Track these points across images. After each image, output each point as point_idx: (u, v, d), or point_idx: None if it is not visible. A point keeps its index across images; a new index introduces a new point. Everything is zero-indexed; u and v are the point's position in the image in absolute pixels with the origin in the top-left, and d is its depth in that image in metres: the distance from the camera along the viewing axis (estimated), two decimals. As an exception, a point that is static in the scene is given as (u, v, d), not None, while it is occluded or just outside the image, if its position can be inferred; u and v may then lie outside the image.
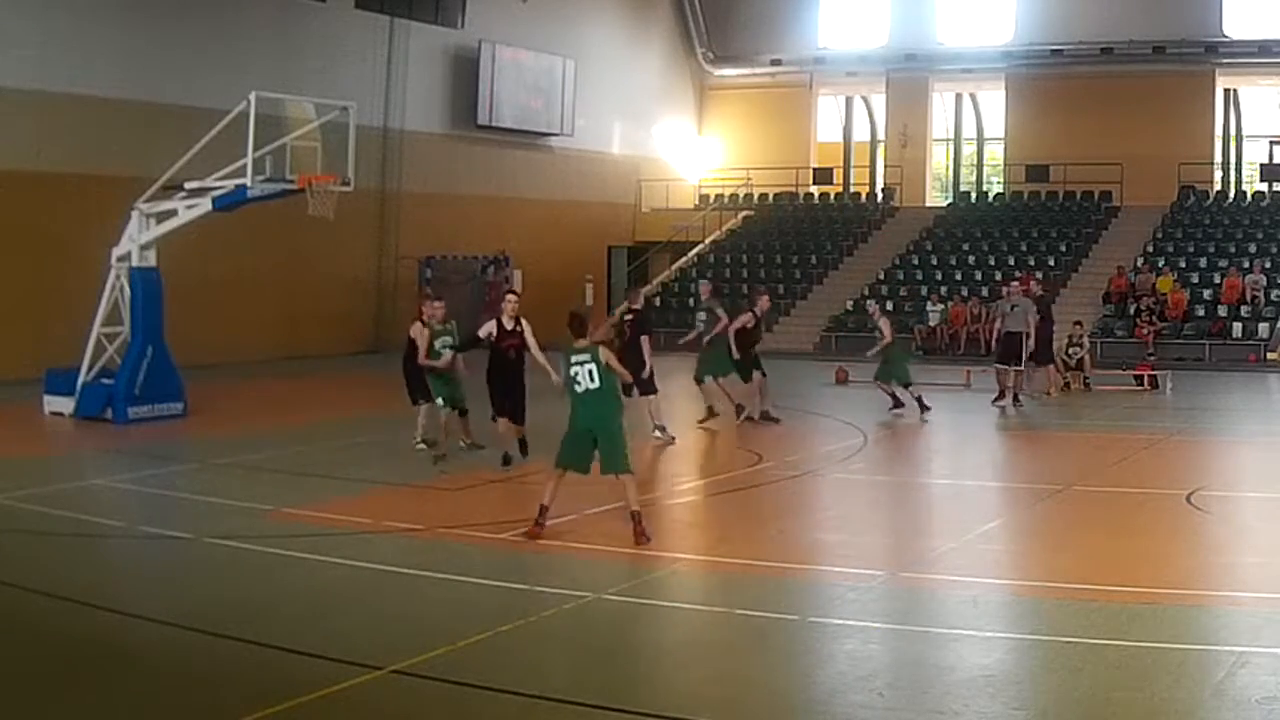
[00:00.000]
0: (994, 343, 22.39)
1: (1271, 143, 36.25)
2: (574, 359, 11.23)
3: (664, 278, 37.27)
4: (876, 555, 11.39)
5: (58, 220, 23.87)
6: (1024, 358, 21.46)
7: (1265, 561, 10.85)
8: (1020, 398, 21.30)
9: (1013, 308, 21.76)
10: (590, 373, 11.16)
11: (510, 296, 15.06)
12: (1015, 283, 23.27)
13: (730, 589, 10.10)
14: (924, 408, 19.77)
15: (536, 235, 34.90)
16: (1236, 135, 38.57)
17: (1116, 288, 31.63)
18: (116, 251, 19.13)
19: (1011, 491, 14.82)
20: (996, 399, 21.28)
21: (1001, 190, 39.90)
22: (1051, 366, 22.91)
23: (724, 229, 39.18)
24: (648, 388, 16.70)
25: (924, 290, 33.42)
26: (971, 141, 43.09)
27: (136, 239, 18.95)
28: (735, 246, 38.33)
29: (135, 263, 18.96)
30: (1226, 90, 37.44)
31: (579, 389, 11.20)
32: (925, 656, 8.34)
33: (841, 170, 41.75)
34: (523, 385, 14.74)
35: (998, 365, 21.57)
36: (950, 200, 40.22)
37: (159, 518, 12.52)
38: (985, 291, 32.90)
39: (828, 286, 35.35)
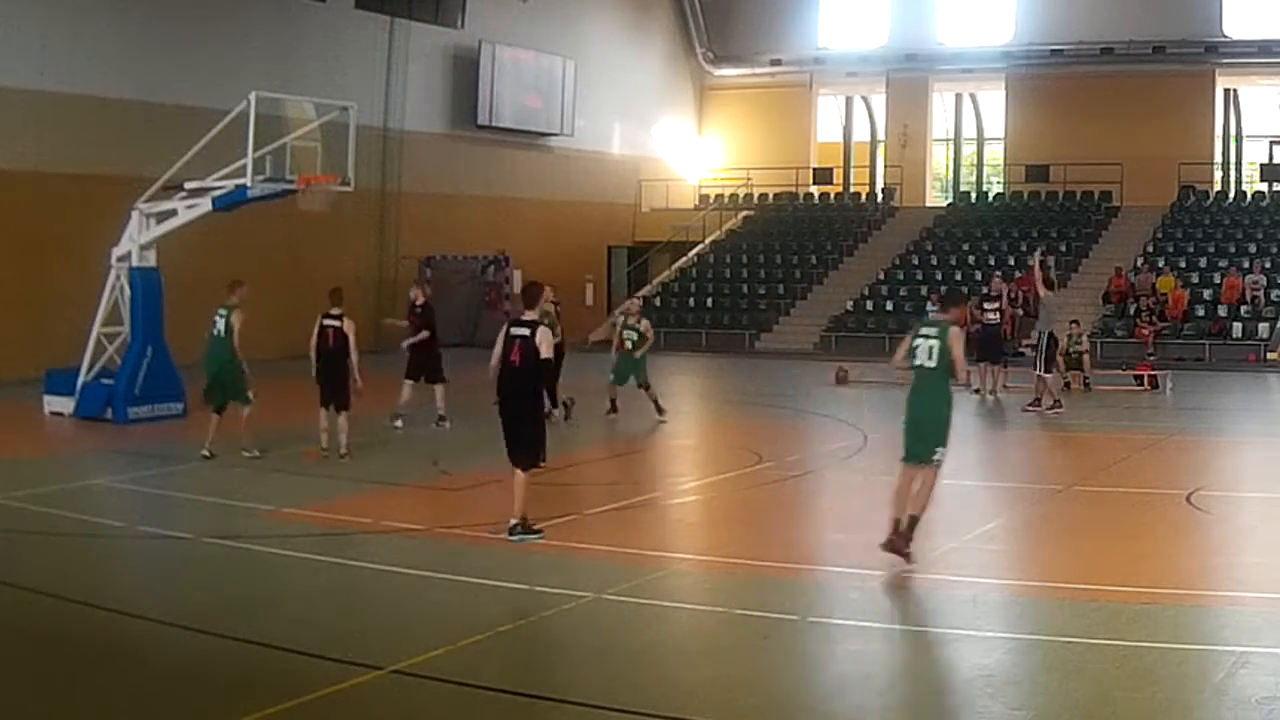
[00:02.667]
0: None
1: (1271, 143, 36.23)
2: (922, 331, 10.63)
3: (664, 278, 37.27)
4: (876, 555, 11.39)
5: (58, 220, 23.85)
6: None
7: (1265, 561, 10.85)
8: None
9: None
10: (931, 349, 10.44)
11: None
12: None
13: (730, 589, 10.10)
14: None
15: (536, 235, 34.89)
16: (1236, 135, 38.56)
17: (1116, 288, 31.62)
18: (116, 251, 19.13)
19: (1011, 491, 14.81)
20: (1051, 405, 20.24)
21: (1001, 190, 39.90)
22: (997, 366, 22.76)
23: (724, 229, 39.18)
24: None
25: (924, 290, 33.39)
26: (971, 141, 43.08)
27: (136, 239, 18.95)
28: (735, 246, 38.33)
29: (135, 263, 18.96)
30: (1226, 90, 37.43)
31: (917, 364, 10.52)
32: (925, 656, 8.35)
33: (841, 170, 41.73)
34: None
35: (1043, 374, 20.50)
36: (950, 200, 40.21)
37: (159, 518, 12.51)
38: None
39: (828, 286, 35.35)
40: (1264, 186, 35.95)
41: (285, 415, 16.45)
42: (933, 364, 10.43)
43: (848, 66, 39.94)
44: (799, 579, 10.41)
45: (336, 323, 15.12)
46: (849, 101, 43.15)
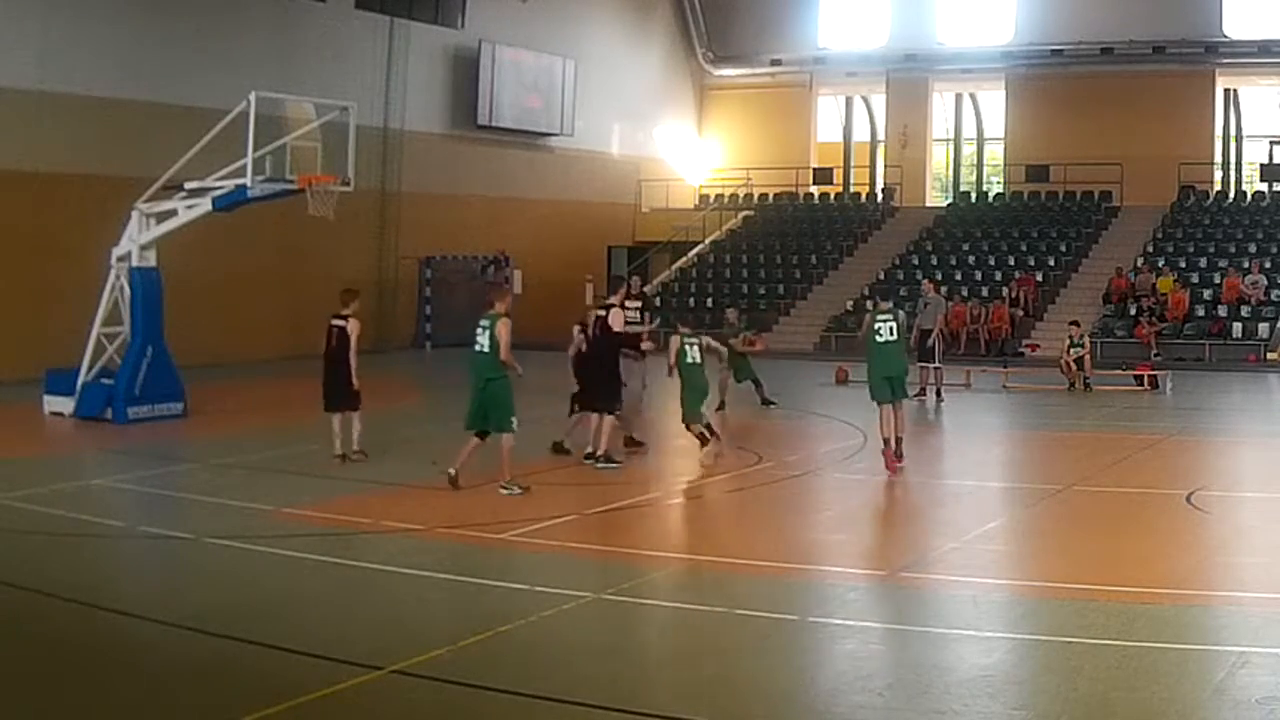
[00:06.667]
0: None
1: (1271, 143, 36.19)
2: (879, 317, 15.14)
3: (664, 278, 37.26)
4: (876, 555, 11.40)
5: (58, 220, 23.85)
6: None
7: (1265, 561, 10.85)
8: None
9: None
10: (891, 328, 14.96)
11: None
12: None
13: (730, 589, 10.09)
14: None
15: (536, 235, 34.89)
16: (1236, 135, 38.52)
17: (1116, 288, 31.60)
18: (116, 251, 19.12)
19: (1011, 491, 14.82)
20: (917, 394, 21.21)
21: (1001, 190, 39.87)
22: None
23: (724, 229, 39.15)
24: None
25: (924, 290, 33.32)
26: (971, 141, 43.06)
27: (136, 239, 18.94)
28: (735, 246, 38.31)
29: (135, 263, 18.95)
30: (1226, 90, 37.40)
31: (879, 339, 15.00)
32: (925, 656, 8.34)
33: (841, 170, 41.70)
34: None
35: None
36: (950, 200, 40.18)
37: (159, 518, 12.52)
38: (985, 292, 32.87)
39: (828, 286, 35.32)
40: (1264, 186, 35.90)
41: (286, 416, 16.45)
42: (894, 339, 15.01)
43: (848, 66, 39.93)
44: (799, 579, 10.41)
45: (341, 323, 14.91)
46: (849, 101, 43.12)
